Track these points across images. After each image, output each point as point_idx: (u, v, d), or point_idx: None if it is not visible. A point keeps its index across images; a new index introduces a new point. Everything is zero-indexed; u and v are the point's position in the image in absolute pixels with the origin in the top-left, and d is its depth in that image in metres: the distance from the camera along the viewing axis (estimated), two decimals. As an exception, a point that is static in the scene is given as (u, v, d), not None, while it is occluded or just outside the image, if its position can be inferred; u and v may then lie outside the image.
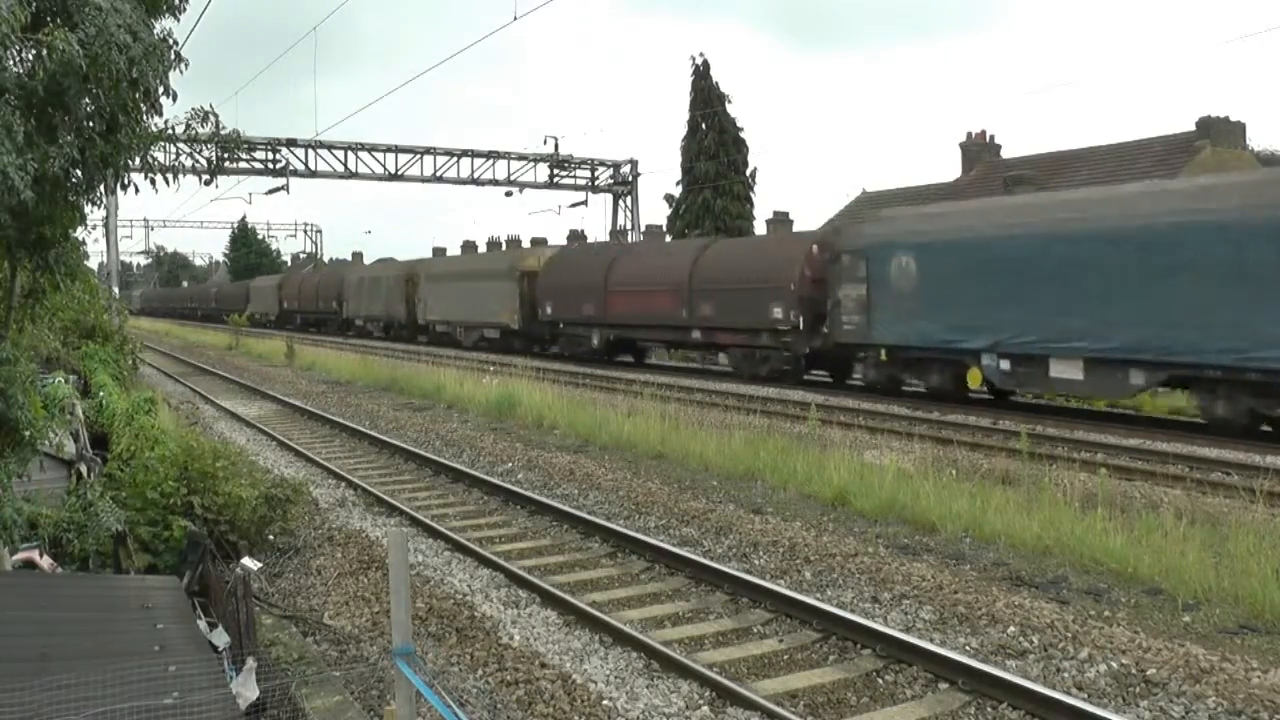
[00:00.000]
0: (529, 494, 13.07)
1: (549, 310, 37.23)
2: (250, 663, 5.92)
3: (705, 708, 6.60)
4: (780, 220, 43.42)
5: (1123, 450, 15.65)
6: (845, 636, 7.84)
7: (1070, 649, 7.41)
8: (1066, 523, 10.13)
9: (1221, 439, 16.19)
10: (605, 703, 6.73)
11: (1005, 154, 43.29)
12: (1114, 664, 7.10)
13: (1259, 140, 44.77)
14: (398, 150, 47.70)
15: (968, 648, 7.54)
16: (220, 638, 6.55)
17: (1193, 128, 37.45)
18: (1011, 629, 7.85)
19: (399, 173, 47.89)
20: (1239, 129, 38.01)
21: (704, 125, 49.90)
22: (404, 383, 27.61)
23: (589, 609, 8.45)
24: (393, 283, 51.30)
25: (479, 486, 13.99)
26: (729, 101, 50.21)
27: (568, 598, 8.76)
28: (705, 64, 50.15)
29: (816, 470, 13.12)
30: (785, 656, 7.65)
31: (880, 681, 7.11)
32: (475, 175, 49.51)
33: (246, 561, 7.29)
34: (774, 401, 21.70)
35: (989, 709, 6.53)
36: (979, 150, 43.37)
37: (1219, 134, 36.86)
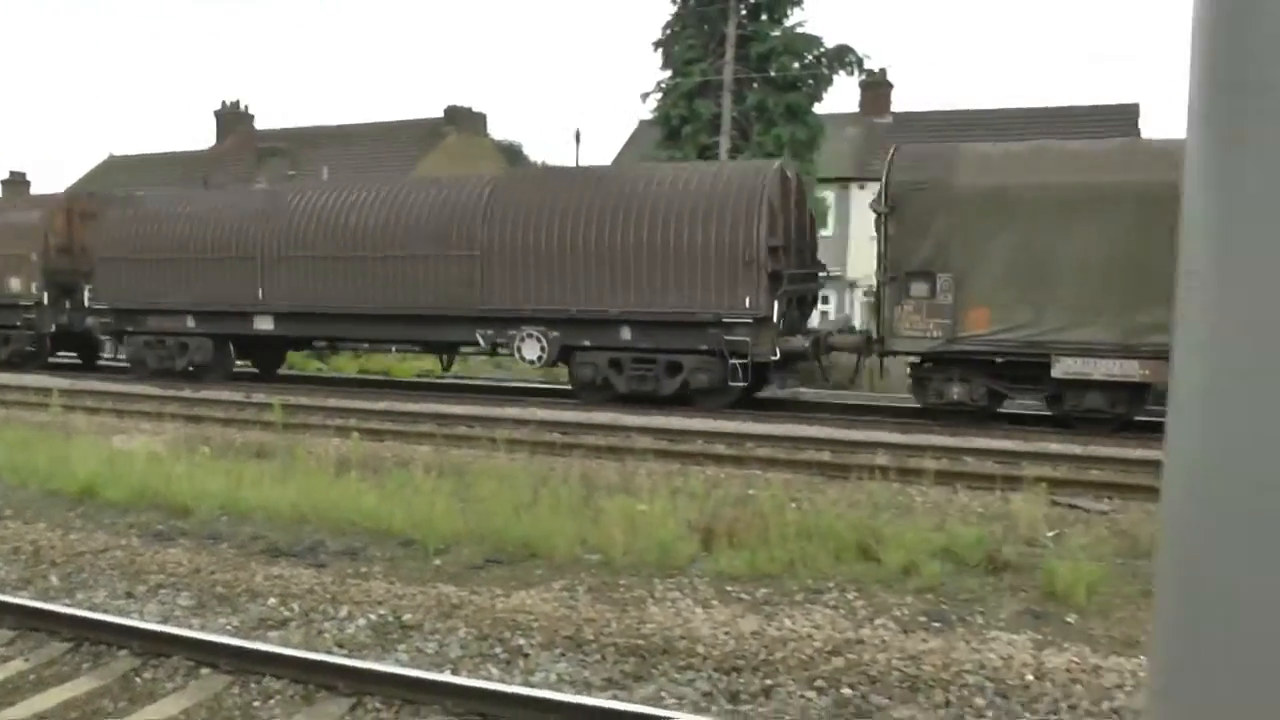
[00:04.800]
0: None
1: None
2: None
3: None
4: (16, 182, 39.42)
5: (373, 414, 16.35)
6: (99, 640, 7.26)
7: (330, 610, 7.53)
8: (322, 489, 10.30)
9: (477, 397, 17.61)
10: None
11: (262, 125, 42.93)
12: (373, 616, 7.33)
13: (497, 131, 49.07)
14: None
15: (228, 627, 7.36)
16: None
17: (442, 114, 40.15)
18: (272, 600, 7.80)
19: None
20: (481, 119, 41.60)
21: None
22: None
23: None
24: None
25: None
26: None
27: None
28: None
29: (61, 462, 12.06)
30: (33, 677, 6.90)
31: (139, 681, 6.69)
32: None
33: None
34: (12, 389, 19.68)
35: (253, 685, 6.42)
36: (234, 119, 42.62)
37: (464, 122, 40.03)
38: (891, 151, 17.13)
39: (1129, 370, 15.67)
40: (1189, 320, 1.11)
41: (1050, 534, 9.52)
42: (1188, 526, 1.09)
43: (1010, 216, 15.78)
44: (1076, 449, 13.95)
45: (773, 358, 17.99)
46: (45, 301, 25.02)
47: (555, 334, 19.00)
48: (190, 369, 22.65)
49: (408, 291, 19.99)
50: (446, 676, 6.06)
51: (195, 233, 22.51)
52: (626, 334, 18.68)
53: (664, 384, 18.48)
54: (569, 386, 19.85)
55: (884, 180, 16.50)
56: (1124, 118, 30.53)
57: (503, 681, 6.05)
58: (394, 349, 22.64)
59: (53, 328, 25.27)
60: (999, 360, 16.28)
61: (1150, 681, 1.16)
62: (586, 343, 18.97)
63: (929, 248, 16.21)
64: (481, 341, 19.84)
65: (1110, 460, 13.04)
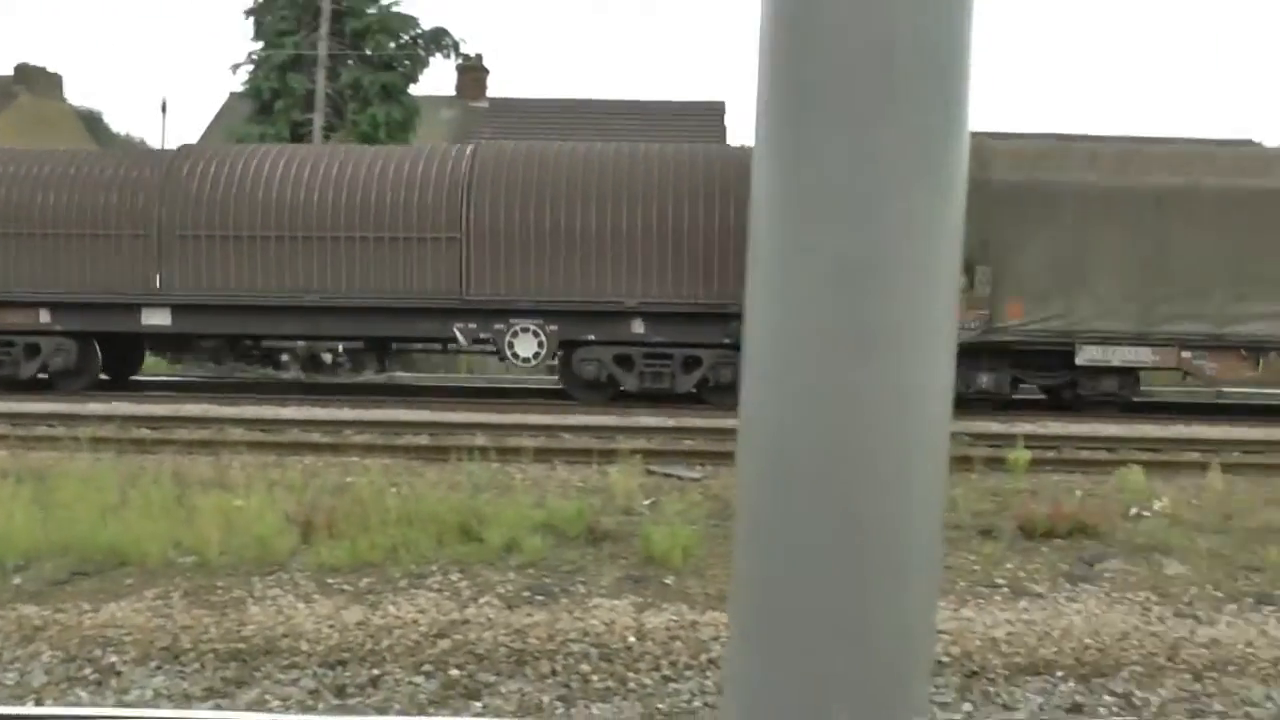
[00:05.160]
0: None
1: None
2: None
3: None
4: None
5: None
6: None
7: (-112, 649, 6.81)
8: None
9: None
10: None
11: None
12: (-53, 652, 6.71)
13: (74, 96, 45.42)
14: None
15: None
16: None
17: (12, 73, 37.44)
18: None
19: None
20: (56, 81, 39.04)
21: None
22: None
23: None
24: None
25: None
26: None
27: None
28: None
29: None
30: None
31: None
32: None
33: None
34: None
35: None
36: None
37: (36, 84, 37.45)
38: None
39: (1142, 356, 17.11)
40: (757, 301, 1.18)
41: (647, 502, 10.06)
42: (761, 497, 1.19)
43: (1045, 212, 16.61)
44: (670, 421, 14.80)
45: None
46: None
47: (554, 328, 17.17)
48: (41, 377, 18.06)
49: (362, 279, 17.26)
50: (28, 709, 5.67)
51: (55, 202, 17.79)
52: (639, 327, 17.20)
53: (680, 381, 17.25)
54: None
55: None
56: (711, 115, 32.20)
57: (93, 705, 5.73)
58: (341, 348, 18.57)
59: None
60: (1028, 349, 17.16)
61: (731, 629, 1.28)
62: (591, 337, 17.21)
63: (968, 240, 15.45)
64: (460, 337, 17.46)
65: (701, 430, 13.91)
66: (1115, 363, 17.13)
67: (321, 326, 17.86)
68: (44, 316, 17.89)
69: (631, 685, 6.06)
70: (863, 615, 1.17)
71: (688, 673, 6.24)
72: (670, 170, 17.52)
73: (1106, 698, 6.25)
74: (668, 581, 7.76)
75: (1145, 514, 10.38)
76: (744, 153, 17.62)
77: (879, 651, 1.18)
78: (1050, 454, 13.11)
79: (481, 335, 17.45)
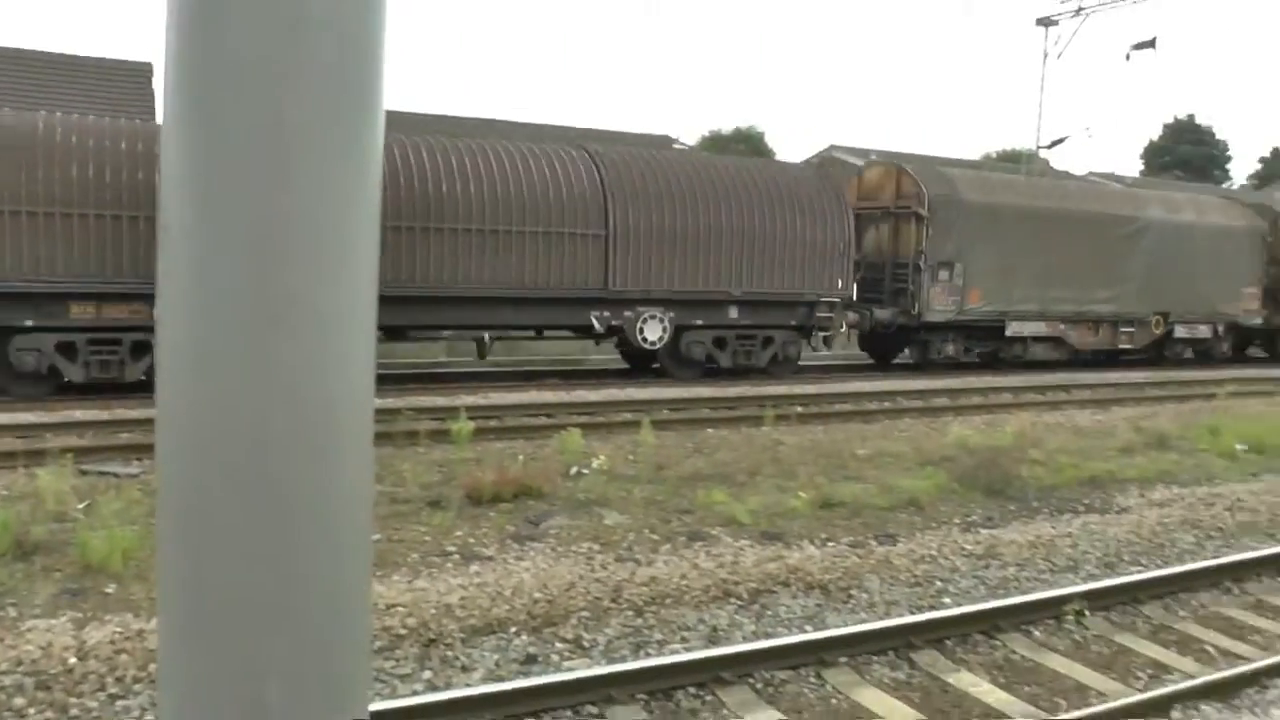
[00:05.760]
0: None
1: None
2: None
3: None
4: None
5: None
6: None
7: None
8: None
9: None
10: None
11: None
12: None
13: None
14: None
15: None
16: None
17: None
18: None
19: None
20: None
21: None
22: None
23: None
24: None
25: None
26: None
27: None
28: None
29: None
30: None
31: None
32: None
33: None
34: None
35: None
36: None
37: None
38: (910, 170, 23.58)
39: (1040, 329, 24.36)
40: (171, 274, 1.15)
41: (81, 505, 9.37)
42: (184, 483, 1.17)
43: (994, 225, 23.18)
44: (104, 415, 13.89)
45: (841, 330, 22.08)
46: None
47: (671, 314, 19.92)
48: (145, 377, 15.79)
49: (521, 271, 18.49)
50: None
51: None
52: (734, 313, 20.71)
53: (759, 357, 21.02)
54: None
55: (924, 193, 22.71)
56: (139, 77, 29.75)
57: None
58: (487, 337, 18.99)
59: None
60: (978, 326, 23.64)
61: (161, 625, 1.22)
62: (699, 322, 20.33)
63: (951, 245, 22.83)
64: (596, 324, 19.53)
65: (136, 422, 13.22)
66: (1026, 334, 24.31)
67: (480, 316, 18.60)
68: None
69: (75, 712, 5.63)
70: (293, 594, 1.17)
71: (136, 686, 5.91)
72: (763, 181, 21.28)
73: (558, 644, 6.72)
74: (109, 590, 7.32)
75: (585, 472, 11.29)
76: (806, 167, 23.68)
77: (312, 629, 1.19)
78: (493, 423, 13.84)
79: (614, 322, 19.70)
